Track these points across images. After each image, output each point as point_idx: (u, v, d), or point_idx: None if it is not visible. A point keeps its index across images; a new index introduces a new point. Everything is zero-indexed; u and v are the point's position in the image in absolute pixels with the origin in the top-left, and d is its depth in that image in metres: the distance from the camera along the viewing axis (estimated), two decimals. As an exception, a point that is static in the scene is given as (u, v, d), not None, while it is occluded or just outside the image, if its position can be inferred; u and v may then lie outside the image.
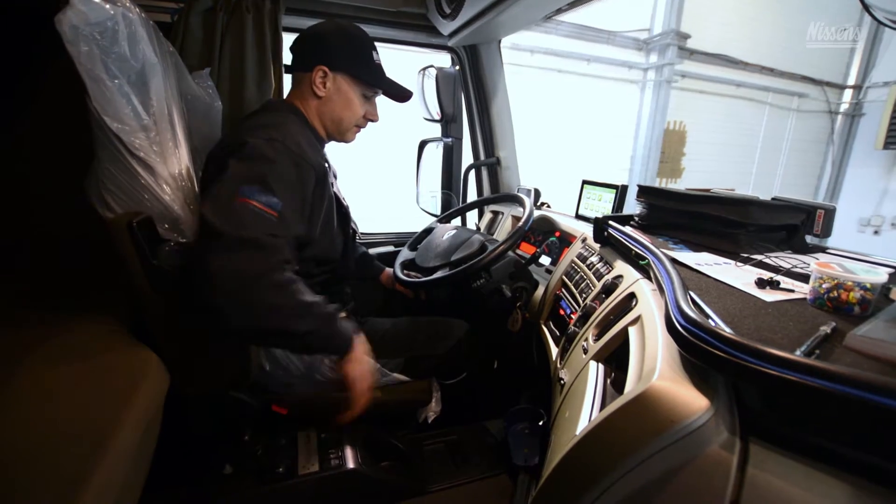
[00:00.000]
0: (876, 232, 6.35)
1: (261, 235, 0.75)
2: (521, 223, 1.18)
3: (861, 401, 0.35)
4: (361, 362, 0.90)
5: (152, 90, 0.86)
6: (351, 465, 0.94)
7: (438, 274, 1.15)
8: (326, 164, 1.06)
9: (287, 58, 1.37)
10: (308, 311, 0.79)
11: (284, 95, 1.38)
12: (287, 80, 1.39)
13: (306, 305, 0.78)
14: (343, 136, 1.10)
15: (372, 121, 1.12)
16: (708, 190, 1.04)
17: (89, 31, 0.71)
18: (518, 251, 1.57)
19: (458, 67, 1.74)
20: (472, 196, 1.97)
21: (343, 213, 1.13)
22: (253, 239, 0.74)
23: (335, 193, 1.10)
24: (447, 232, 1.37)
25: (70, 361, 0.72)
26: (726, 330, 0.46)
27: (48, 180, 1.17)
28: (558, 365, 0.90)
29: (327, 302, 0.84)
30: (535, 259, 1.31)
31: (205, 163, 0.97)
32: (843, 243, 0.97)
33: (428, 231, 1.50)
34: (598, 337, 0.78)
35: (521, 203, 1.29)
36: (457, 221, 1.82)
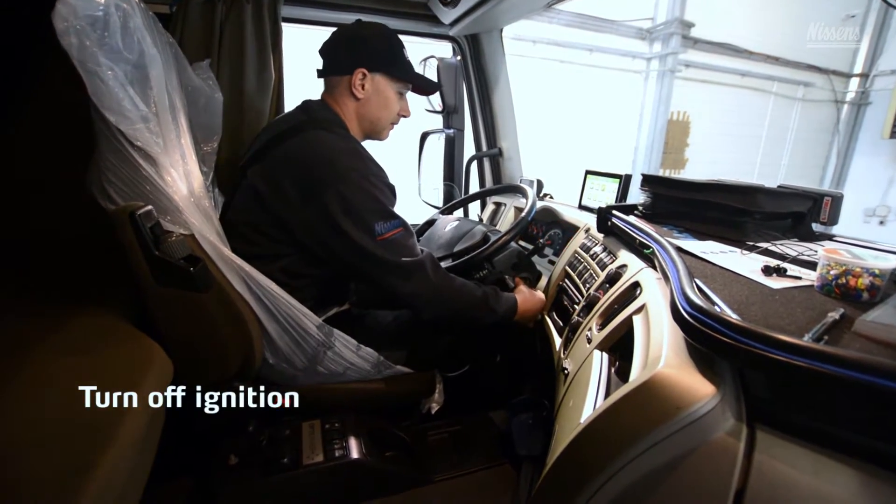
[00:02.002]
0: (881, 222, 6.31)
1: (418, 255, 0.98)
2: (523, 214, 1.17)
3: (871, 385, 0.34)
4: (523, 313, 1.11)
5: (152, 81, 0.86)
6: (355, 455, 0.94)
7: (441, 265, 1.15)
8: None
9: (288, 49, 1.36)
10: (480, 299, 1.05)
11: (283, 86, 1.38)
12: (287, 72, 1.38)
13: (477, 297, 1.04)
14: (379, 134, 1.14)
15: (405, 116, 1.15)
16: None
17: (80, 23, 0.70)
18: (521, 242, 1.57)
19: (459, 57, 1.73)
20: (474, 188, 1.96)
21: None
22: (420, 261, 0.98)
23: None
24: (449, 223, 1.36)
25: (74, 353, 0.72)
26: (733, 316, 0.46)
27: (50, 173, 1.17)
28: (562, 355, 0.90)
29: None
30: (538, 250, 1.30)
31: (262, 178, 0.98)
32: (848, 233, 0.96)
33: (430, 223, 1.49)
34: (602, 326, 0.78)
35: (523, 194, 1.28)
36: (459, 213, 1.81)
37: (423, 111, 1.80)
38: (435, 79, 1.64)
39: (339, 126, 1.04)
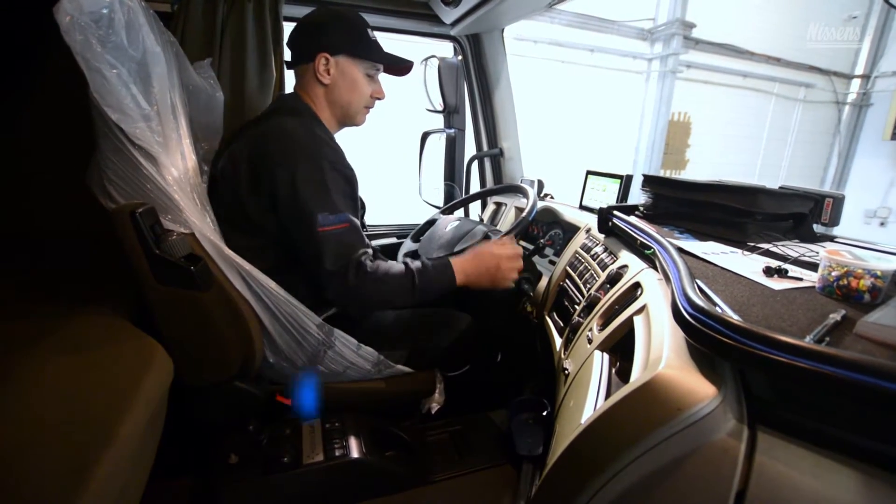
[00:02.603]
0: (882, 223, 6.30)
1: (350, 256, 0.92)
2: (524, 214, 1.17)
3: (872, 387, 0.34)
4: (469, 273, 1.02)
5: (154, 80, 0.86)
6: (355, 454, 0.94)
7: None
8: None
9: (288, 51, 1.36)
10: (411, 286, 0.96)
11: (285, 85, 1.38)
12: (288, 72, 1.38)
13: (406, 285, 0.96)
14: (354, 119, 1.11)
15: (379, 98, 1.12)
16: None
17: (85, 20, 0.70)
18: (522, 242, 1.56)
19: (460, 57, 1.73)
20: (474, 188, 1.95)
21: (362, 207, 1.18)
22: (348, 265, 0.91)
23: None
24: (450, 223, 1.36)
25: (74, 352, 0.72)
26: (734, 317, 0.46)
27: (51, 172, 1.17)
28: (562, 355, 0.90)
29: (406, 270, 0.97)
30: (538, 250, 1.30)
31: (229, 161, 0.99)
32: (848, 235, 0.96)
33: (431, 223, 1.49)
34: (602, 327, 0.78)
35: (524, 194, 1.28)
36: (460, 213, 1.81)
37: (424, 111, 1.80)
38: (436, 79, 1.64)
39: (307, 114, 1.04)
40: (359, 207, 1.03)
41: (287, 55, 1.16)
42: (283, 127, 0.97)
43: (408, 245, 1.41)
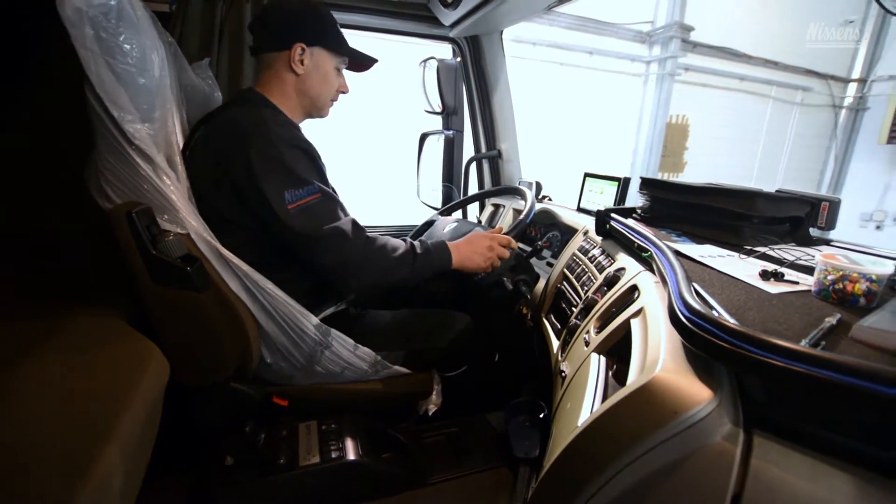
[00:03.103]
0: (878, 227, 6.34)
1: (333, 222, 0.92)
2: (522, 216, 1.17)
3: (868, 391, 0.34)
4: (462, 252, 1.06)
5: (152, 80, 0.85)
6: (352, 456, 0.93)
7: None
8: None
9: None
10: (401, 258, 0.98)
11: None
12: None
13: (398, 257, 0.97)
14: (321, 111, 1.11)
15: (343, 92, 1.13)
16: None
17: (93, 12, 0.70)
18: (519, 244, 1.57)
19: (459, 59, 1.73)
20: (473, 189, 1.96)
21: None
22: (332, 230, 0.91)
23: None
24: (448, 224, 1.36)
25: (70, 353, 0.72)
26: (730, 320, 0.46)
27: (48, 172, 1.17)
28: (559, 357, 0.90)
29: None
30: (536, 252, 1.30)
31: (189, 161, 0.95)
32: (844, 238, 0.97)
33: (429, 224, 1.49)
34: (599, 329, 0.78)
35: (522, 196, 1.28)
36: (458, 214, 1.81)
37: (422, 112, 1.80)
38: (435, 80, 1.64)
39: (258, 101, 1.02)
40: (328, 182, 1.00)
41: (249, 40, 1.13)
42: (230, 117, 0.96)
43: None
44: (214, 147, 0.94)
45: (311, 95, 1.06)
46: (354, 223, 0.96)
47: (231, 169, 0.90)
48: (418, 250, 1.01)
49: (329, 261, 0.93)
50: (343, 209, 0.97)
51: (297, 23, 1.01)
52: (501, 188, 1.75)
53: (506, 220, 1.68)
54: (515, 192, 1.49)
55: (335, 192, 1.01)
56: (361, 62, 1.13)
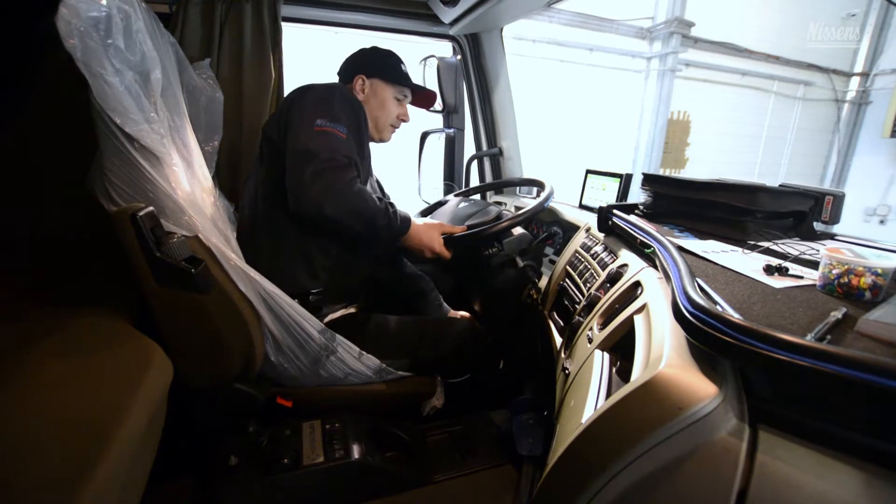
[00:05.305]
0: (882, 221, 6.30)
1: (338, 156, 0.96)
2: (540, 199, 1.18)
3: (874, 385, 0.34)
4: (414, 237, 1.10)
5: (154, 81, 0.85)
6: (356, 456, 0.94)
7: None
8: None
9: (287, 49, 1.38)
10: (379, 209, 1.02)
11: (283, 86, 1.38)
12: (287, 72, 1.39)
13: (377, 207, 1.01)
14: (381, 133, 1.23)
15: (404, 121, 1.25)
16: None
17: (84, 25, 0.70)
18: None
19: (459, 57, 1.72)
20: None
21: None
22: (333, 158, 0.95)
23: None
24: (462, 203, 1.38)
25: (74, 354, 0.72)
26: (735, 315, 0.46)
27: (52, 174, 1.17)
28: (563, 355, 0.90)
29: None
30: (544, 239, 1.32)
31: (282, 112, 1.06)
32: (848, 233, 0.96)
33: (441, 203, 1.50)
34: (603, 326, 0.77)
35: (540, 186, 1.30)
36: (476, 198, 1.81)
37: (422, 111, 1.80)
38: (435, 78, 1.64)
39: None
40: (365, 144, 1.10)
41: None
42: (313, 84, 1.08)
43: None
44: (289, 100, 1.06)
45: (371, 118, 1.17)
46: (352, 163, 1.00)
47: (290, 112, 1.02)
48: (389, 210, 1.05)
49: (319, 186, 0.94)
50: (356, 155, 1.03)
51: (361, 60, 1.21)
52: (521, 179, 1.71)
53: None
54: (533, 184, 1.51)
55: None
56: (424, 96, 1.29)
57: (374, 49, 1.23)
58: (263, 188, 1.07)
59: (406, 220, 1.09)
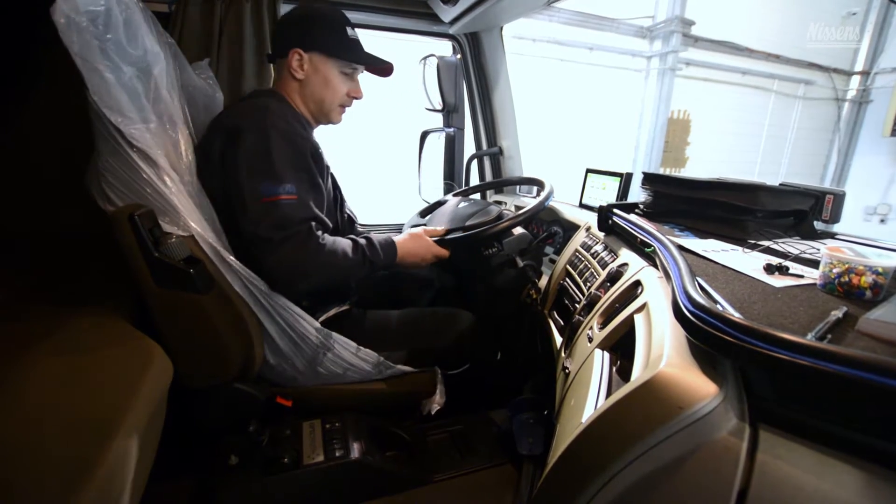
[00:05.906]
0: (882, 220, 6.29)
1: (293, 227, 0.89)
2: (540, 198, 1.18)
3: (875, 384, 0.34)
4: (407, 255, 1.06)
5: (152, 81, 0.85)
6: (356, 455, 0.94)
7: (452, 236, 1.16)
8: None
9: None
10: (355, 260, 0.96)
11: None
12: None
13: (351, 259, 0.96)
14: (328, 116, 1.10)
15: (356, 98, 1.11)
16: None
17: (82, 19, 0.70)
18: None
19: (459, 56, 1.72)
20: (473, 187, 1.95)
21: (339, 196, 1.18)
22: (291, 235, 0.88)
23: (332, 175, 1.14)
24: (462, 202, 1.37)
25: (74, 354, 0.72)
26: (735, 315, 0.46)
27: (49, 174, 1.17)
28: (563, 354, 0.90)
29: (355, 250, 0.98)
30: (544, 238, 1.31)
31: (198, 149, 0.99)
32: (848, 232, 0.96)
33: (440, 203, 1.50)
34: (603, 325, 0.77)
35: (540, 185, 1.29)
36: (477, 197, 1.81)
37: (423, 110, 1.80)
38: (435, 77, 1.64)
39: (275, 96, 1.04)
40: (318, 183, 0.99)
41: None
42: (241, 105, 1.00)
43: (415, 220, 1.41)
44: (218, 125, 0.97)
45: (315, 100, 1.07)
46: (309, 229, 0.92)
47: (225, 147, 0.93)
48: (367, 252, 0.99)
49: (273, 261, 0.89)
50: (310, 211, 0.94)
51: (295, 29, 1.02)
52: (521, 178, 1.72)
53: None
54: (533, 183, 1.51)
55: (324, 188, 1.02)
56: (374, 66, 1.10)
57: (310, 13, 1.03)
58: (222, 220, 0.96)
59: (391, 248, 1.04)
